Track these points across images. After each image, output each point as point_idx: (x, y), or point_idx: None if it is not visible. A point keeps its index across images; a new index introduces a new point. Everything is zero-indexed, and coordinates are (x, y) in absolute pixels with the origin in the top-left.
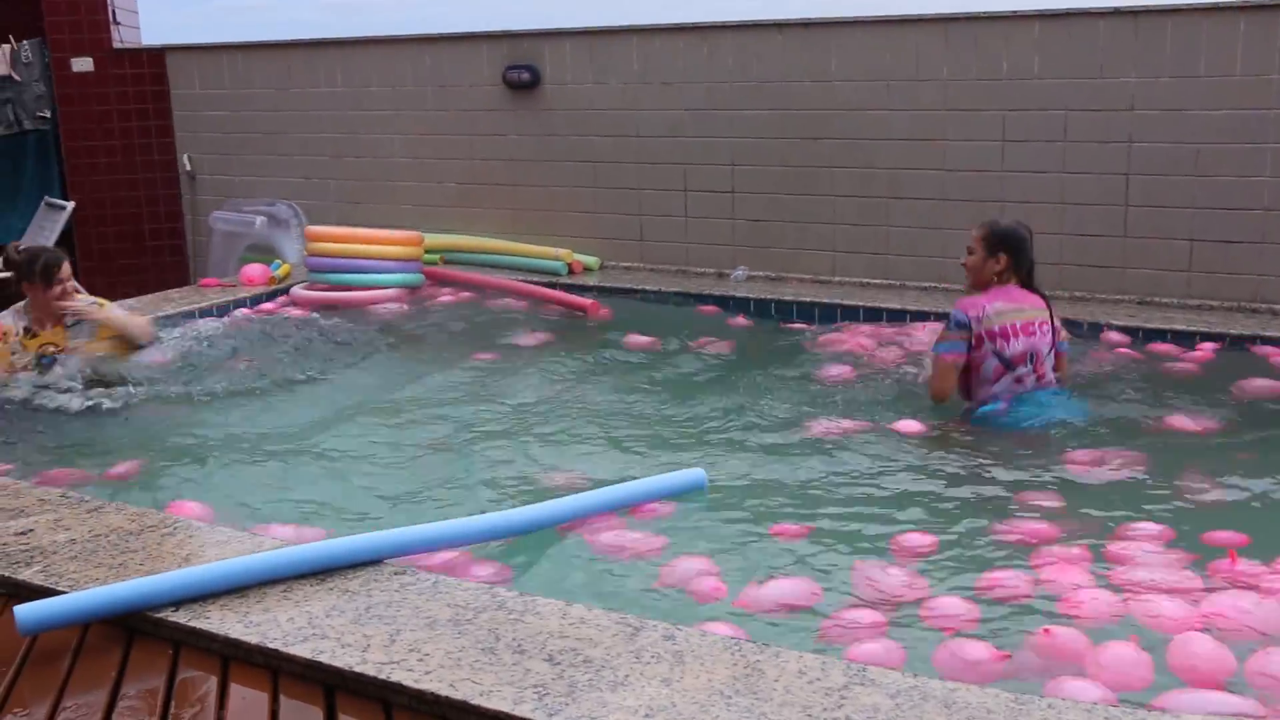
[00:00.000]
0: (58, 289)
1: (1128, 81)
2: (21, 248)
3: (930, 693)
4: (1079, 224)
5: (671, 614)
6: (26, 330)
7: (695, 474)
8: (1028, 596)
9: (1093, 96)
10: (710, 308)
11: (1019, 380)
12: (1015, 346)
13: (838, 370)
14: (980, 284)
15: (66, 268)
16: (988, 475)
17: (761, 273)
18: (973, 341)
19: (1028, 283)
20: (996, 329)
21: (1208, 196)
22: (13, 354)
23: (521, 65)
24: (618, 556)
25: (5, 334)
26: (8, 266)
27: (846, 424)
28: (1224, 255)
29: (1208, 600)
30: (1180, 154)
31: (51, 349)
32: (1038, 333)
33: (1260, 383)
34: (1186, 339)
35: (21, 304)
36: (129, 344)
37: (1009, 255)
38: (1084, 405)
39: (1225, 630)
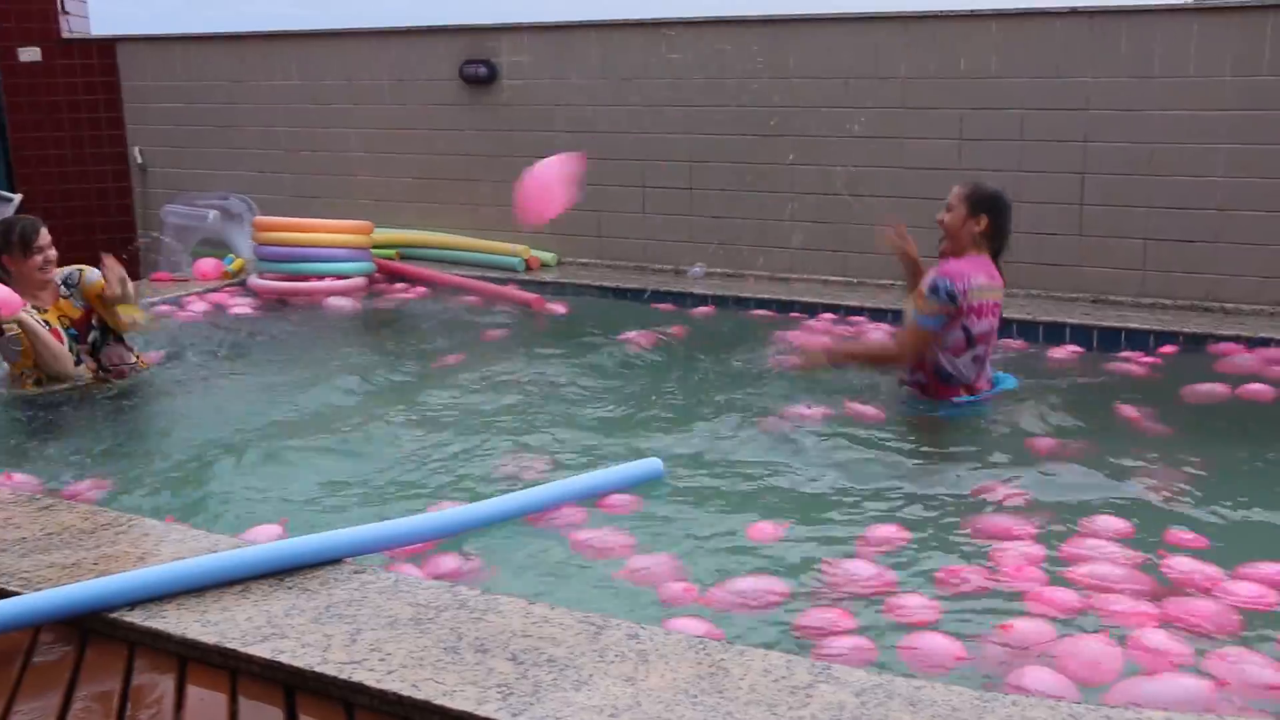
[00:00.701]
0: (38, 258)
1: (1084, 81)
2: None
3: (895, 690)
4: (1035, 222)
5: (635, 612)
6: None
7: (652, 463)
8: (989, 590)
9: (1049, 96)
10: (666, 305)
11: (976, 359)
12: (982, 325)
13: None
14: (958, 246)
15: (45, 234)
16: (951, 466)
17: (720, 270)
18: (951, 314)
19: (996, 258)
20: (975, 304)
21: (1162, 196)
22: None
23: (479, 60)
24: (579, 553)
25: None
26: None
27: (809, 412)
28: (1178, 254)
29: (1167, 599)
30: (1135, 154)
31: (66, 321)
32: (998, 316)
33: (1207, 386)
34: (1141, 337)
35: None
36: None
37: (990, 219)
38: (1011, 376)
39: (1182, 626)
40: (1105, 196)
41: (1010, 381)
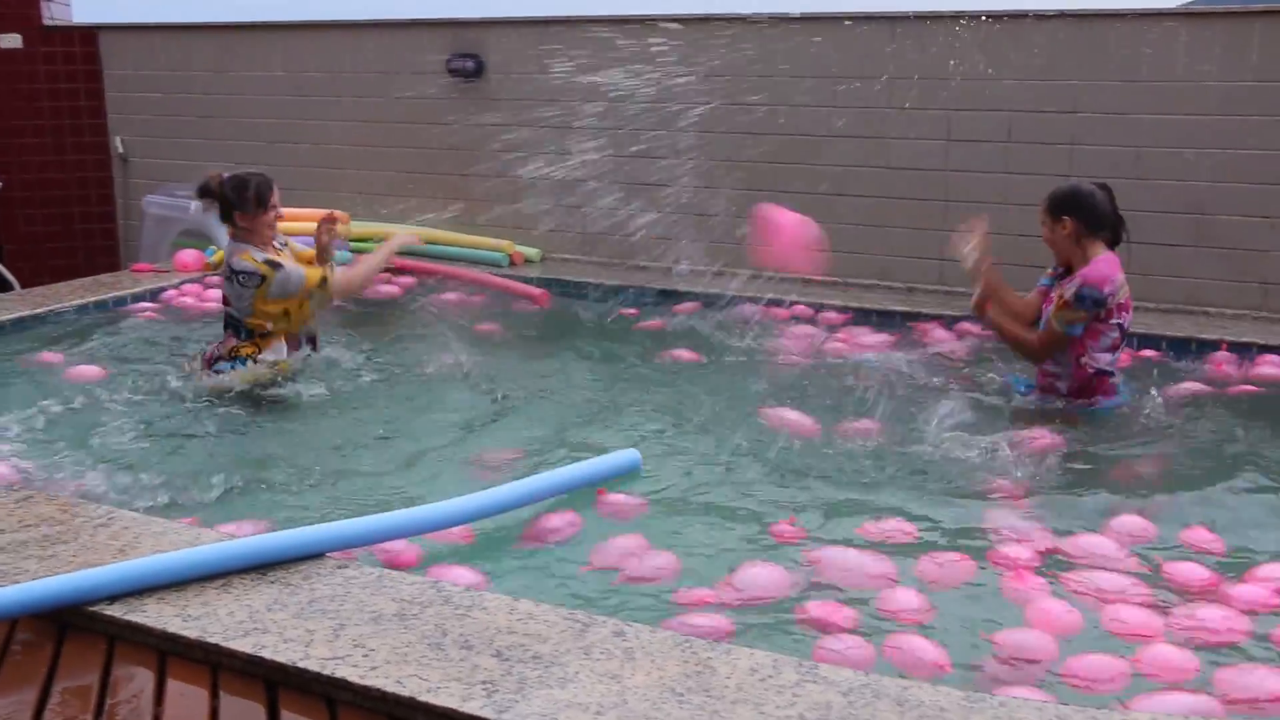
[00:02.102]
0: (272, 214)
1: (1072, 84)
2: (226, 175)
3: (883, 690)
4: (1022, 225)
5: (622, 609)
6: (267, 262)
7: (629, 455)
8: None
9: (1037, 98)
10: (651, 302)
11: (1122, 351)
12: (1128, 320)
13: (786, 357)
14: (1066, 255)
15: (276, 192)
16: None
17: (704, 267)
18: (1102, 315)
19: (1116, 245)
20: (1123, 300)
21: (1147, 199)
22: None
23: (466, 54)
24: (564, 547)
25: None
26: (205, 195)
27: (793, 415)
28: (1162, 257)
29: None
30: (1121, 157)
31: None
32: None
33: (1190, 385)
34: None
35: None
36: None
37: (1073, 215)
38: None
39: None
40: None
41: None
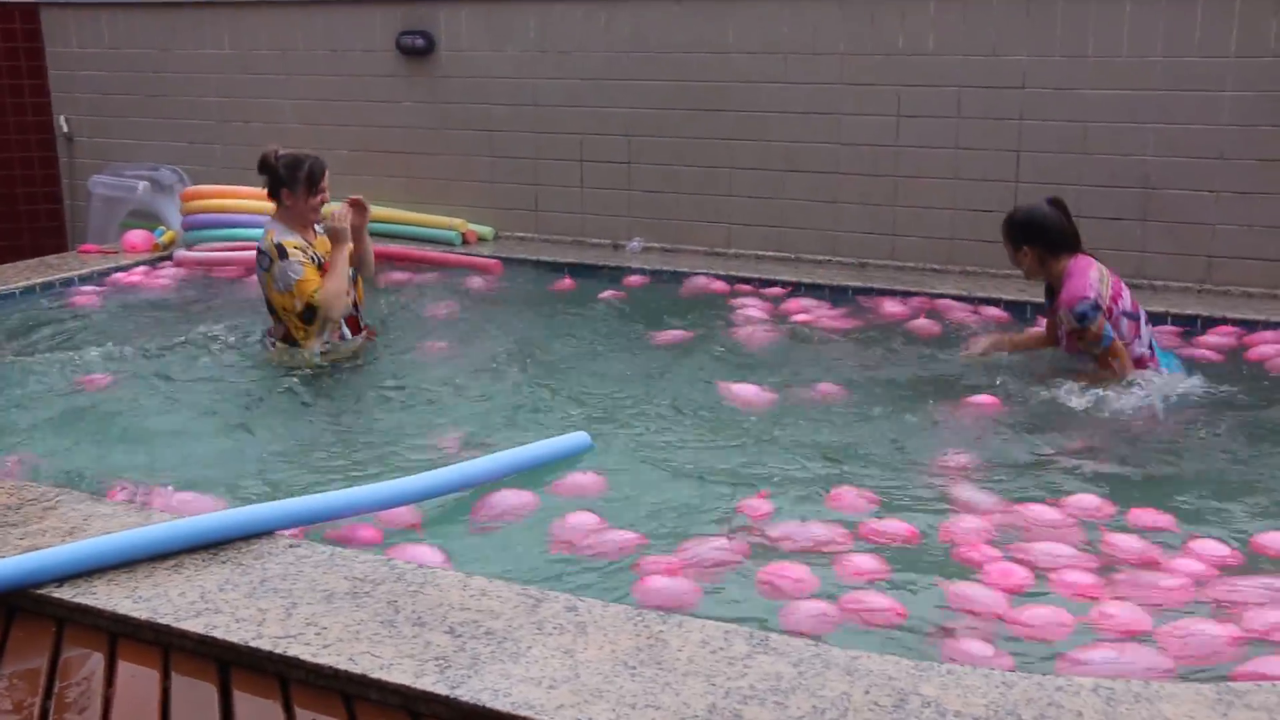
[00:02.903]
0: (319, 198)
1: (1019, 60)
2: (281, 152)
3: (833, 660)
4: (971, 199)
5: (576, 585)
6: (278, 246)
7: (580, 437)
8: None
9: (986, 74)
10: (604, 279)
11: (1139, 326)
12: (1126, 300)
13: (746, 331)
14: (1039, 275)
15: (328, 175)
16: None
17: (657, 244)
18: (1108, 318)
19: (1078, 250)
20: (1110, 292)
21: (1094, 174)
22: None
23: (416, 31)
24: (520, 524)
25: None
26: (264, 170)
27: (749, 389)
28: (1109, 232)
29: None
30: (1069, 132)
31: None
32: (1122, 282)
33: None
34: None
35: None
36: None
37: (1032, 244)
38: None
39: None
40: (1039, 174)
41: (1173, 363)
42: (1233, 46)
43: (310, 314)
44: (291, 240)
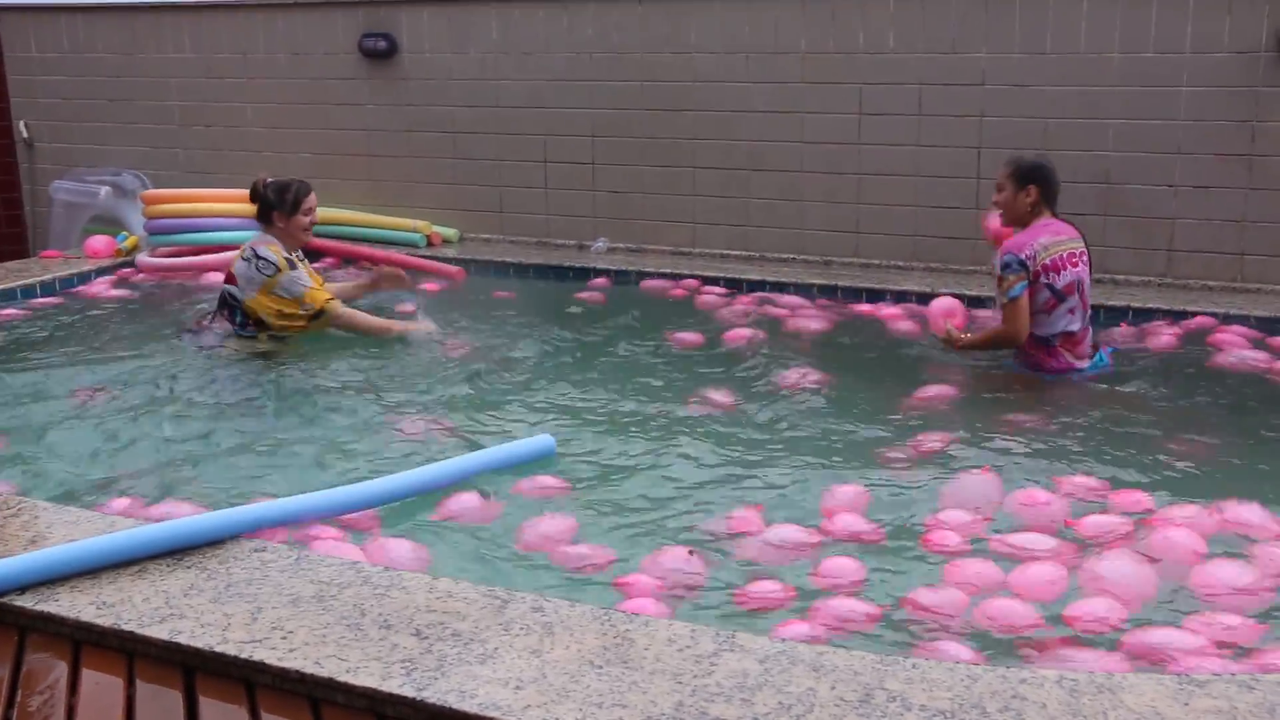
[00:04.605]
0: (305, 219)
1: (979, 57)
2: (270, 179)
3: (799, 656)
4: (932, 196)
5: (544, 585)
6: (287, 260)
7: (544, 440)
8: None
9: (946, 71)
10: (570, 280)
11: (1070, 311)
12: (1065, 278)
13: (733, 334)
14: (1016, 219)
15: (313, 197)
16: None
17: (622, 244)
18: (1030, 277)
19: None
20: (1048, 262)
21: (1056, 168)
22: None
23: (378, 33)
24: (487, 527)
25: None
26: (255, 198)
27: (717, 393)
28: None
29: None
30: (1029, 128)
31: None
32: (1080, 263)
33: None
34: None
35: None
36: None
37: (1038, 186)
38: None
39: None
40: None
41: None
42: (1188, 43)
43: (318, 315)
44: (293, 257)
